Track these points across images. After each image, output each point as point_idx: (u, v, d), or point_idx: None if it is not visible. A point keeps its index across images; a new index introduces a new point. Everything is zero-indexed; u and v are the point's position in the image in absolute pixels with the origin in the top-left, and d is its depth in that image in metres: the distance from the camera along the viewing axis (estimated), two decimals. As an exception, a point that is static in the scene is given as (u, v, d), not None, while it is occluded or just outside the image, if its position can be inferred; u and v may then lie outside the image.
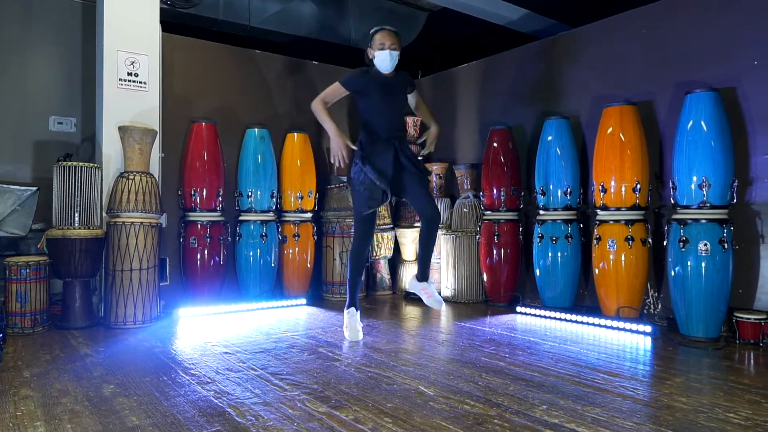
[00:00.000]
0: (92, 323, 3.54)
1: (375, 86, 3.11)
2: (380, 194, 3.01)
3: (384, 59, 3.07)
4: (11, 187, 3.76)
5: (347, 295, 3.28)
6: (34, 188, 3.82)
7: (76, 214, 3.52)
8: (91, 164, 3.62)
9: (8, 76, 4.07)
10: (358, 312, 3.26)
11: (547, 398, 2.14)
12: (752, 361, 2.79)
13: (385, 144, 3.08)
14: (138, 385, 2.28)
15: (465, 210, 4.61)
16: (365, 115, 3.16)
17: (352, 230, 4.65)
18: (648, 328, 3.27)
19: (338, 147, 3.08)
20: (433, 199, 3.22)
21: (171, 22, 4.49)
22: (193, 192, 4.14)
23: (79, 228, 3.51)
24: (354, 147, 3.13)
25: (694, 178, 3.18)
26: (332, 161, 3.18)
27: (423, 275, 3.29)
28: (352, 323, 3.19)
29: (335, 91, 3.16)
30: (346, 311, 3.25)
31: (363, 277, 3.18)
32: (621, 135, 3.55)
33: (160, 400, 2.09)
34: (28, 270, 3.31)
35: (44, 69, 4.22)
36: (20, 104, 4.10)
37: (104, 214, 3.69)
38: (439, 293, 4.61)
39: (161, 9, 4.07)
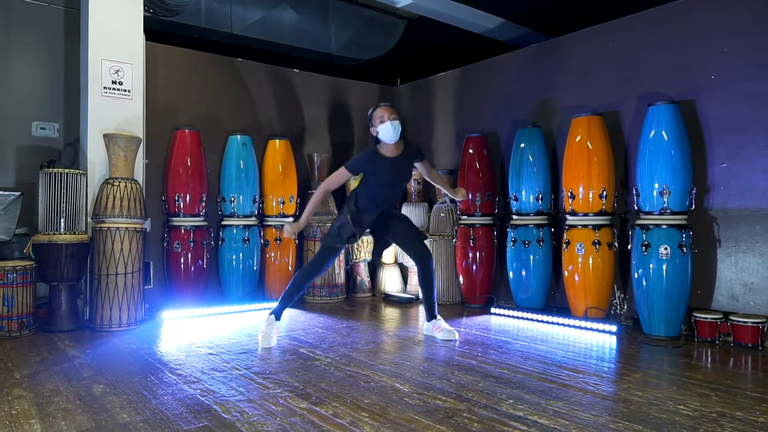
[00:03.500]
0: (78, 326, 3.62)
1: (382, 168, 3.25)
2: (348, 235, 3.21)
3: (388, 130, 3.17)
4: (-5, 192, 3.82)
5: (278, 303, 3.33)
6: (18, 193, 3.88)
7: (62, 220, 3.60)
8: (77, 171, 3.70)
9: (-8, 82, 4.13)
10: (277, 323, 3.30)
11: (514, 393, 2.30)
12: (708, 358, 2.99)
13: (375, 210, 3.27)
14: (127, 384, 2.39)
15: (442, 215, 4.77)
16: (367, 185, 3.29)
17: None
18: (614, 328, 3.46)
19: (290, 232, 3.28)
20: (421, 240, 3.39)
21: (153, 29, 4.58)
22: (176, 197, 4.23)
23: (65, 233, 3.59)
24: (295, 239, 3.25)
25: (656, 186, 3.37)
26: (284, 234, 3.33)
27: (431, 314, 3.40)
28: (268, 330, 3.20)
29: (341, 176, 3.28)
30: (266, 318, 3.29)
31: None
32: (588, 144, 3.74)
33: (148, 399, 2.20)
34: (15, 274, 3.39)
35: (27, 74, 4.28)
36: (2, 109, 4.15)
37: (89, 220, 3.77)
38: (417, 297, 4.78)
39: (144, 17, 4.15)
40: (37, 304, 3.67)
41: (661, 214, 3.37)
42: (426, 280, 3.35)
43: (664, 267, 3.31)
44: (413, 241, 3.37)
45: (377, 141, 3.27)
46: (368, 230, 3.36)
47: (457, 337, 3.32)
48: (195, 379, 2.47)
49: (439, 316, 3.42)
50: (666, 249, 3.30)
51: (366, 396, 2.25)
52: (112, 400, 2.19)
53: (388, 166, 3.26)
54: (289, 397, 2.23)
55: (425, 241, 3.49)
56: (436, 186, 3.65)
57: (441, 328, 3.35)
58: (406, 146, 3.36)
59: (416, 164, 3.48)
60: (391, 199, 3.38)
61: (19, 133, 4.23)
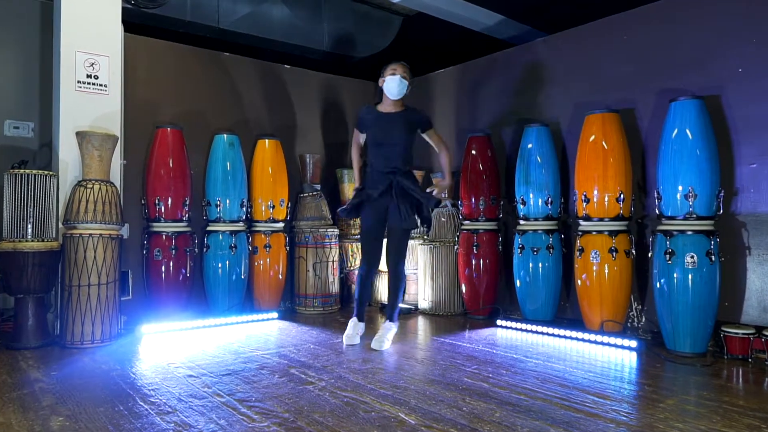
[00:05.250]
0: (46, 342, 3.28)
1: (376, 122, 3.36)
2: (353, 206, 3.39)
3: (392, 84, 3.27)
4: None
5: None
6: (-15, 197, 3.55)
7: (29, 226, 3.27)
8: (46, 172, 3.37)
9: (-43, 77, 3.79)
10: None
11: (536, 425, 2.00)
12: (742, 379, 2.70)
13: (382, 176, 3.31)
14: (90, 416, 2.07)
15: (443, 219, 4.48)
16: (368, 149, 3.43)
17: (326, 240, 4.51)
18: (633, 343, 3.17)
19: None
20: (398, 250, 3.34)
21: (135, 22, 4.27)
22: (157, 201, 3.91)
23: (33, 240, 3.26)
24: None
25: (680, 188, 3.09)
26: None
27: (387, 315, 3.40)
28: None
29: (355, 137, 3.53)
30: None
31: (368, 292, 3.61)
32: (603, 143, 3.46)
33: (113, 436, 1.88)
34: (-27, 287, 3.05)
35: (-1, 70, 3.95)
36: (-29, 107, 3.82)
37: (60, 226, 3.44)
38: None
39: (124, 9, 3.85)
40: (2, 318, 3.34)
41: (686, 219, 3.08)
42: (390, 284, 3.41)
43: (691, 277, 3.03)
44: (391, 247, 3.37)
45: (381, 95, 3.36)
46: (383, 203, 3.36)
47: (382, 348, 3.18)
48: (170, 409, 2.16)
49: (388, 322, 3.34)
50: (692, 257, 3.02)
51: (366, 429, 1.94)
52: (69, 437, 1.87)
53: (381, 119, 3.34)
54: (277, 432, 1.92)
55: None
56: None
57: (378, 334, 3.28)
58: (408, 109, 3.40)
59: (423, 135, 3.48)
60: (392, 162, 3.30)
61: (-11, 132, 3.89)
